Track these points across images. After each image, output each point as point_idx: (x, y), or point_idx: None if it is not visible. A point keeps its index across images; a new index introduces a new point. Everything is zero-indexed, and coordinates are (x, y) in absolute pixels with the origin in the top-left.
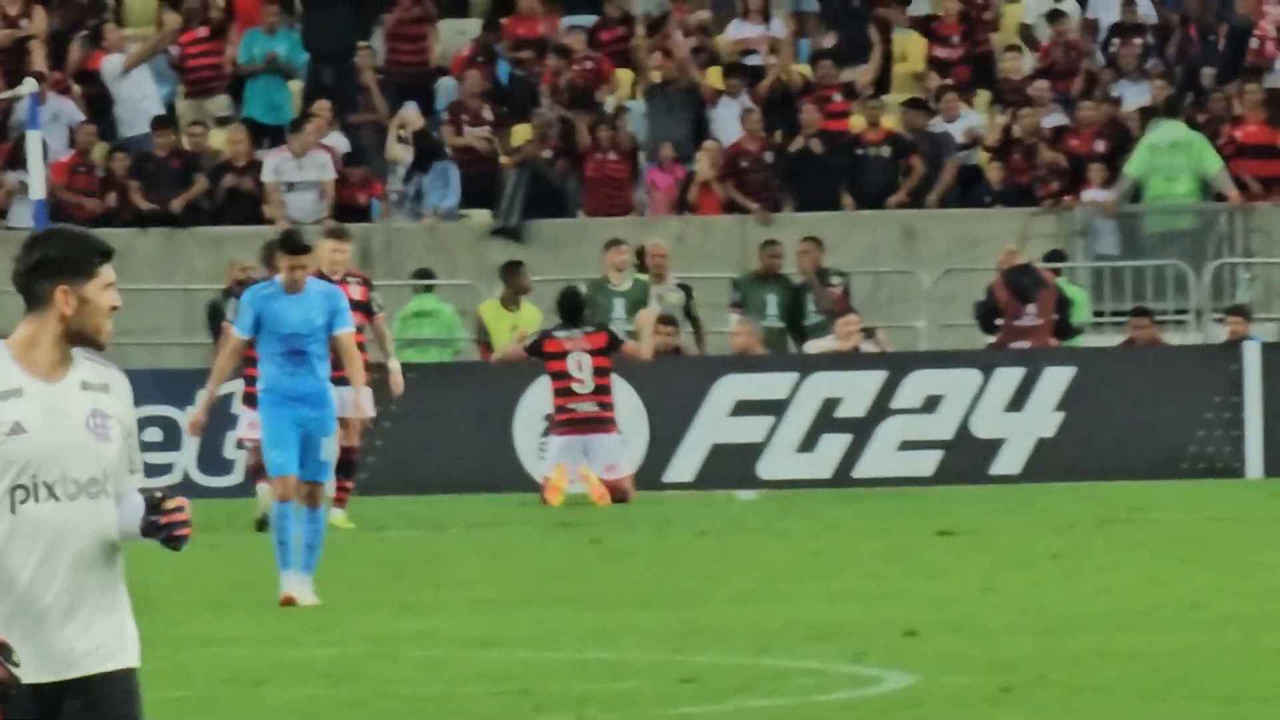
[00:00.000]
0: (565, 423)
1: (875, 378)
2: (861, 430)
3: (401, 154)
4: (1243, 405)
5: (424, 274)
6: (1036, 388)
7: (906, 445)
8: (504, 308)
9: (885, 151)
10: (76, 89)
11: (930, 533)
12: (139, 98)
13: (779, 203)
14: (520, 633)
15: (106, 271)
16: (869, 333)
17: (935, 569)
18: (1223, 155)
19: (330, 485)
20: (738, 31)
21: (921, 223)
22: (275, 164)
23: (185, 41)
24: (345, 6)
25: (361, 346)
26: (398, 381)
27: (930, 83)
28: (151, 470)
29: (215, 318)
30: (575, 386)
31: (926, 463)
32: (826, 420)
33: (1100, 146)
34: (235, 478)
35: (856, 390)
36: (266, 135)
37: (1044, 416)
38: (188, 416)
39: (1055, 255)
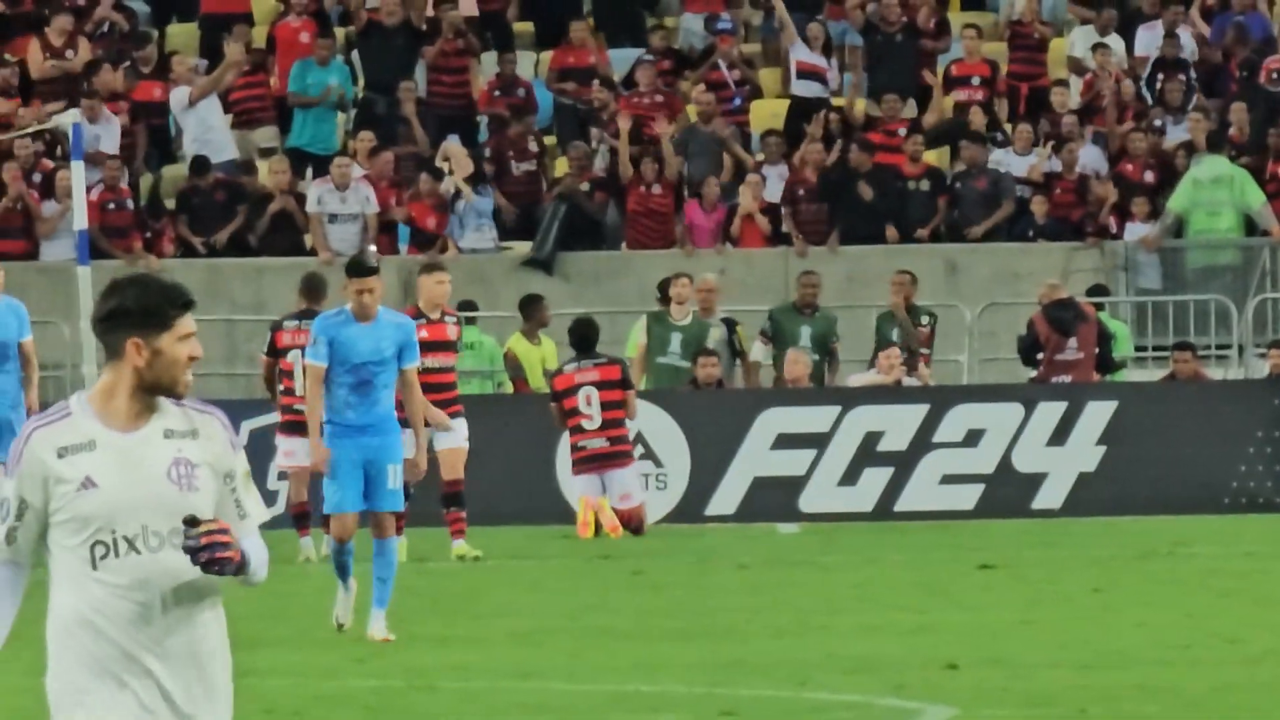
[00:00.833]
0: (580, 460)
1: (917, 411)
2: (903, 464)
3: (446, 187)
4: None
5: (466, 305)
6: (1078, 422)
7: (948, 479)
8: (528, 341)
9: (925, 185)
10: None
11: (971, 566)
12: (205, 130)
13: (823, 235)
14: (559, 665)
15: (184, 323)
16: (911, 366)
17: (975, 603)
18: (1265, 191)
19: (393, 515)
20: (800, 56)
21: (964, 257)
22: (319, 194)
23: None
24: (400, 37)
25: (453, 385)
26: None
27: (976, 120)
28: None
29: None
30: (584, 423)
31: (968, 496)
32: (868, 454)
33: (1148, 178)
34: (278, 508)
35: (898, 424)
36: (311, 164)
37: (1085, 451)
38: (312, 456)
39: (1097, 290)
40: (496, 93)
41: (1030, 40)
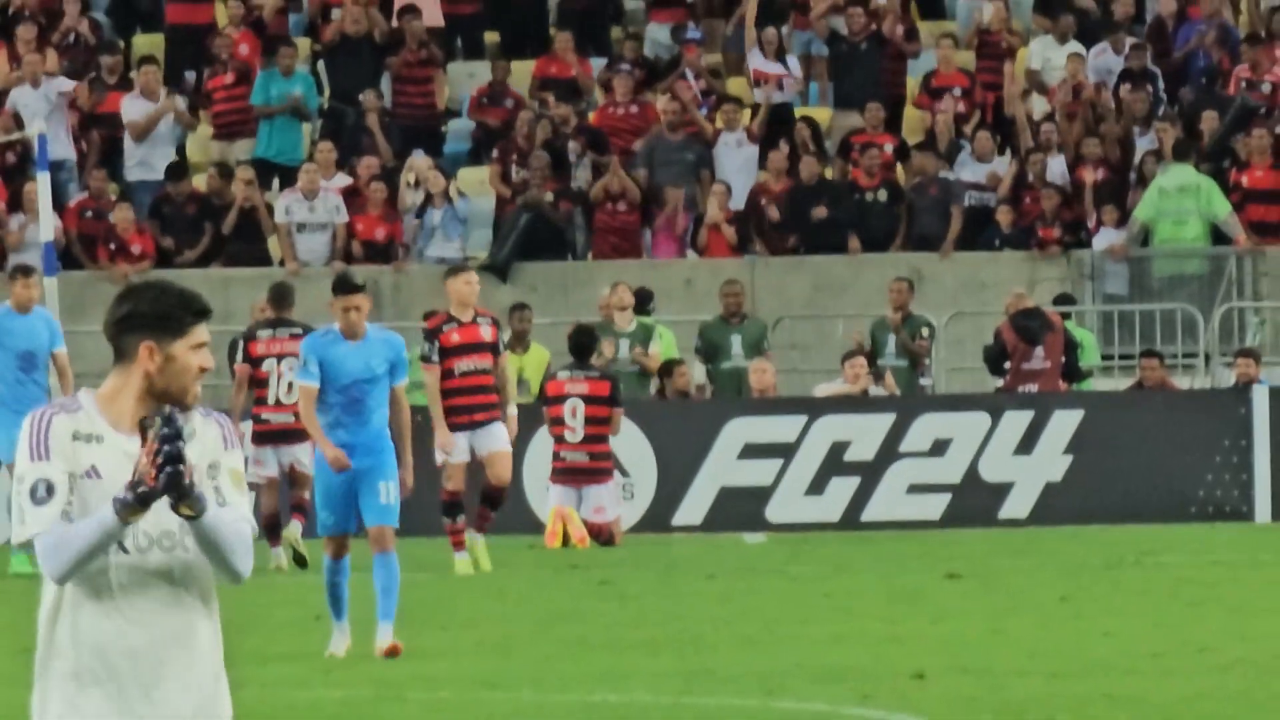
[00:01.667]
0: (559, 471)
1: (884, 421)
2: (870, 473)
3: (411, 199)
4: (1252, 449)
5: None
6: (1045, 431)
7: (915, 488)
8: (511, 351)
9: (883, 196)
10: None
11: (938, 575)
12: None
13: (786, 245)
14: (527, 675)
15: (198, 331)
16: (878, 376)
17: (943, 612)
18: (1231, 200)
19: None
20: (756, 64)
21: (930, 266)
22: (286, 204)
23: (213, 86)
24: (364, 47)
25: (493, 388)
26: (512, 427)
27: (940, 128)
28: None
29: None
30: (567, 434)
31: (935, 506)
32: (835, 463)
33: (1115, 186)
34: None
35: (865, 433)
36: (277, 174)
37: (1052, 460)
38: (330, 463)
39: (1064, 299)
40: (485, 100)
41: (999, 49)
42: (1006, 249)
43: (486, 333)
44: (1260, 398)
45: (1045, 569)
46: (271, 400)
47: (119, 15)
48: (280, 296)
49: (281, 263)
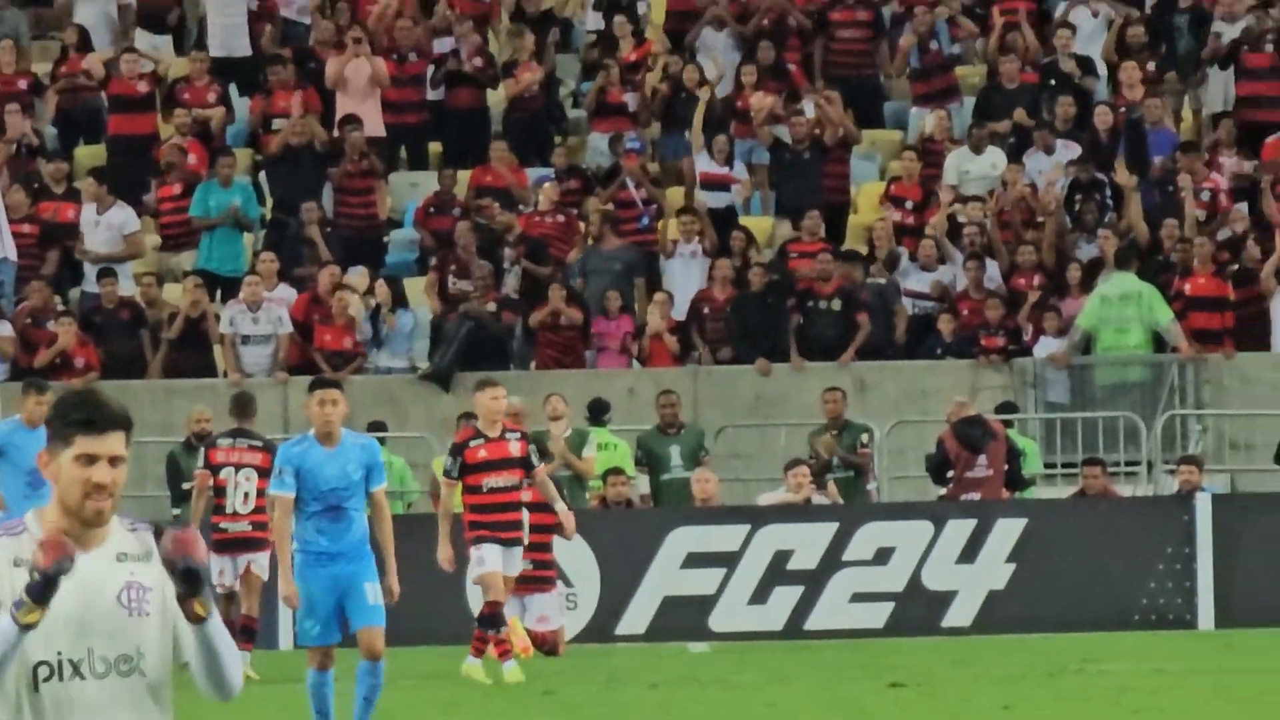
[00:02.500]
0: None
1: (827, 529)
2: (813, 582)
3: (356, 311)
4: (1194, 556)
5: (376, 426)
6: (988, 540)
7: (858, 597)
8: None
9: (836, 305)
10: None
11: (881, 685)
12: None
13: (726, 353)
14: None
15: (85, 442)
16: (820, 484)
17: None
18: (1173, 308)
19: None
20: (704, 166)
21: (872, 374)
22: (231, 315)
23: (162, 196)
24: (307, 156)
25: (519, 505)
26: (569, 527)
27: (881, 237)
28: None
29: (174, 469)
30: None
31: (878, 614)
32: (778, 572)
33: (1056, 294)
34: None
35: (808, 542)
36: (220, 285)
37: (995, 568)
38: (281, 590)
39: (1006, 406)
40: (432, 210)
41: (940, 158)
42: (949, 357)
43: (515, 448)
44: (1203, 505)
45: (988, 677)
46: (229, 509)
47: (63, 127)
48: (242, 406)
49: (225, 374)
